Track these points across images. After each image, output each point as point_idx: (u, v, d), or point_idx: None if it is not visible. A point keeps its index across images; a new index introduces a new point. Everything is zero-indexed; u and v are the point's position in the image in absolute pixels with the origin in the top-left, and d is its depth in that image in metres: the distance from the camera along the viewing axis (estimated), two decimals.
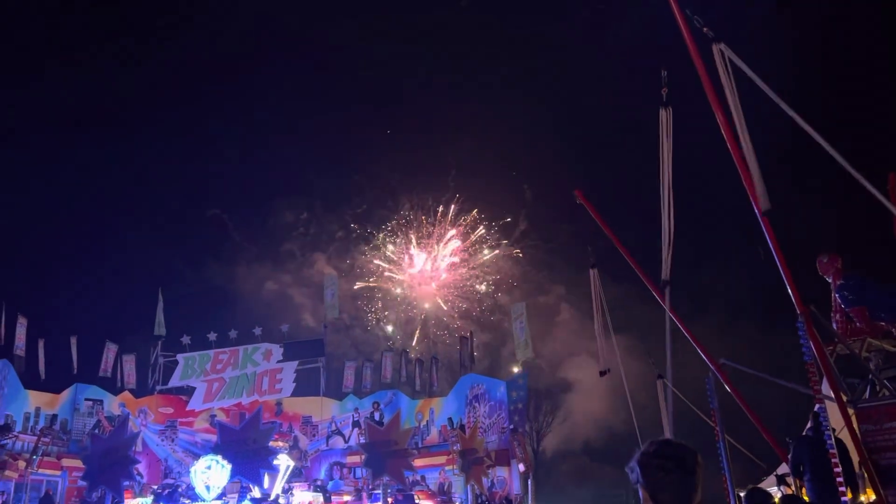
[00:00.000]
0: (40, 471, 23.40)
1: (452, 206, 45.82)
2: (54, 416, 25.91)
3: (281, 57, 46.89)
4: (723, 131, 9.74)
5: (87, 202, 43.83)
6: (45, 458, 23.49)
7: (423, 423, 28.85)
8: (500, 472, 24.99)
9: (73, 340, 27.80)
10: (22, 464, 22.34)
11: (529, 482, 23.60)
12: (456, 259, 45.90)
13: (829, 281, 11.81)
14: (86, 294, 40.41)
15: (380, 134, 46.48)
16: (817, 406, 9.71)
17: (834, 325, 11.47)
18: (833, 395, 9.55)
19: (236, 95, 48.48)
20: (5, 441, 20.13)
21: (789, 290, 9.60)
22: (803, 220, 29.42)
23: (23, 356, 25.38)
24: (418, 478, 24.82)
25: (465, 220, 45.71)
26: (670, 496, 2.72)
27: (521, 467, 23.61)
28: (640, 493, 2.86)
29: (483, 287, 45.14)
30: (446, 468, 25.66)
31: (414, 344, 43.87)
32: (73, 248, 41.70)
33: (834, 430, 9.48)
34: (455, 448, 23.92)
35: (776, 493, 12.54)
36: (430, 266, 46.10)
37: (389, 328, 45.45)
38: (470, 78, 45.91)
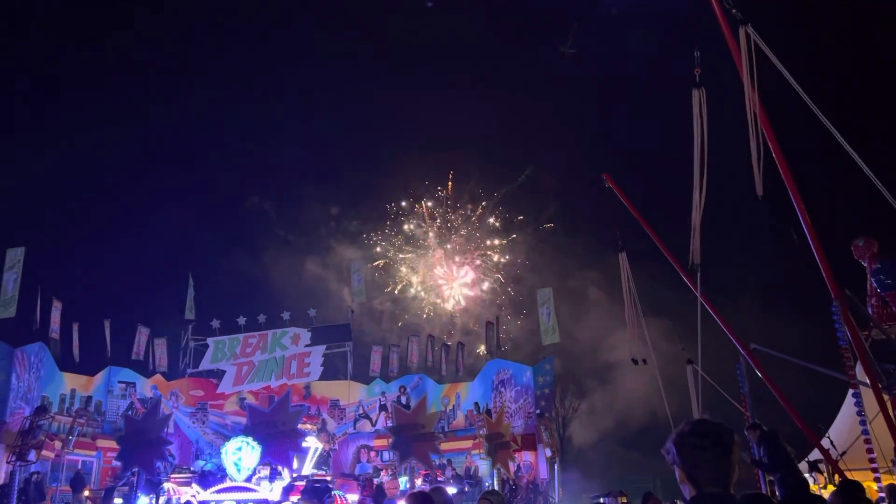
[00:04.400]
0: (76, 451, 23.97)
1: (480, 192, 45.72)
2: (89, 398, 26.49)
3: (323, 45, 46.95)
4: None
5: (120, 187, 44.44)
6: (81, 438, 24.03)
7: (450, 407, 29.00)
8: (527, 457, 25.05)
9: (107, 324, 28.27)
10: (58, 444, 22.89)
11: (556, 467, 23.61)
12: (489, 241, 45.87)
13: (865, 265, 11.60)
14: (119, 279, 41.08)
15: (408, 120, 46.29)
16: (851, 391, 9.56)
17: (869, 310, 11.28)
18: (868, 381, 9.39)
19: (264, 84, 48.62)
20: (42, 422, 20.57)
21: (824, 274, 9.43)
22: (839, 203, 28.84)
23: (58, 339, 25.87)
24: (445, 461, 24.97)
25: (492, 204, 45.59)
26: (706, 474, 2.68)
27: (548, 452, 23.63)
28: (677, 473, 2.81)
29: (508, 273, 45.07)
30: (472, 452, 25.78)
31: (440, 329, 43.97)
32: (107, 233, 42.37)
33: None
34: (481, 432, 23.99)
35: (809, 479, 12.37)
36: (458, 252, 46.12)
37: (416, 312, 45.58)
38: (496, 59, 45.50)
